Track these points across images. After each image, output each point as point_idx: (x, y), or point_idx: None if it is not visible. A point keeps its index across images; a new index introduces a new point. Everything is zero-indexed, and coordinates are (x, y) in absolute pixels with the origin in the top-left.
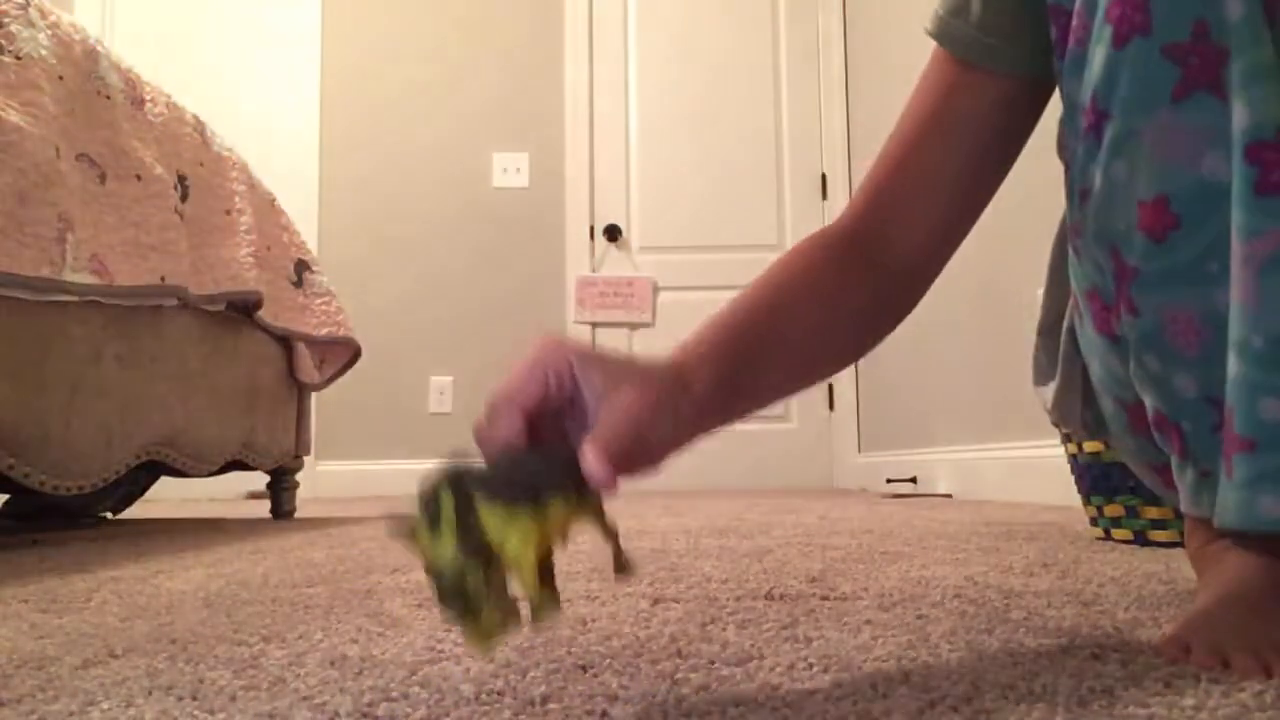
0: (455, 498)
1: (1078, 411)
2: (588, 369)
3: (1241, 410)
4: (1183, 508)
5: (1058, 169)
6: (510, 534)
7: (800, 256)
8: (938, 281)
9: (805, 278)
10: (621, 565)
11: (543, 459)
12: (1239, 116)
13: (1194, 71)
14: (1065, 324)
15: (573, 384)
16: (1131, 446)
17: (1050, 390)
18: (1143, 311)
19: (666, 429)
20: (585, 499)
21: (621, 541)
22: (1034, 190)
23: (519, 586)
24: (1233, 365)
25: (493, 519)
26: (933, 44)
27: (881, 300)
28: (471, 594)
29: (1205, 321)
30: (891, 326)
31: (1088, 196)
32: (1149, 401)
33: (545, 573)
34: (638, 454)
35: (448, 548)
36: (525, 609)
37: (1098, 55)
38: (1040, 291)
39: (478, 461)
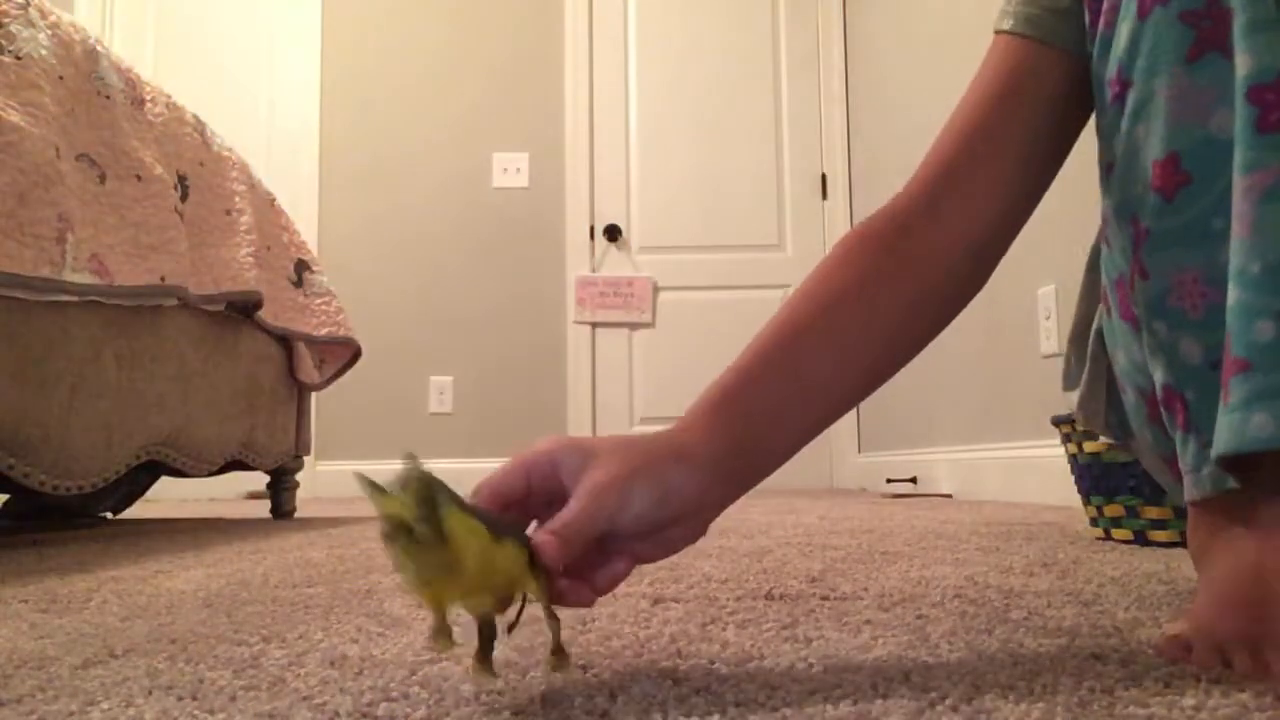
0: (427, 489)
1: (1102, 412)
2: (567, 456)
3: (1237, 333)
4: (1185, 494)
5: (1060, 174)
6: (463, 532)
7: (841, 252)
8: None
9: (843, 276)
10: (557, 656)
11: (506, 521)
12: (1242, 64)
13: (1206, 33)
14: (1094, 325)
15: (555, 479)
16: (1149, 440)
17: (1077, 394)
18: (1153, 274)
19: (644, 501)
20: (535, 569)
21: (562, 636)
22: None
23: (463, 593)
24: (1231, 294)
25: (455, 517)
26: (938, 45)
27: (937, 284)
28: (421, 535)
29: (1209, 282)
30: (953, 314)
31: (1112, 170)
32: (1158, 377)
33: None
34: (607, 529)
35: (410, 506)
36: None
37: (1124, 30)
38: (1043, 291)
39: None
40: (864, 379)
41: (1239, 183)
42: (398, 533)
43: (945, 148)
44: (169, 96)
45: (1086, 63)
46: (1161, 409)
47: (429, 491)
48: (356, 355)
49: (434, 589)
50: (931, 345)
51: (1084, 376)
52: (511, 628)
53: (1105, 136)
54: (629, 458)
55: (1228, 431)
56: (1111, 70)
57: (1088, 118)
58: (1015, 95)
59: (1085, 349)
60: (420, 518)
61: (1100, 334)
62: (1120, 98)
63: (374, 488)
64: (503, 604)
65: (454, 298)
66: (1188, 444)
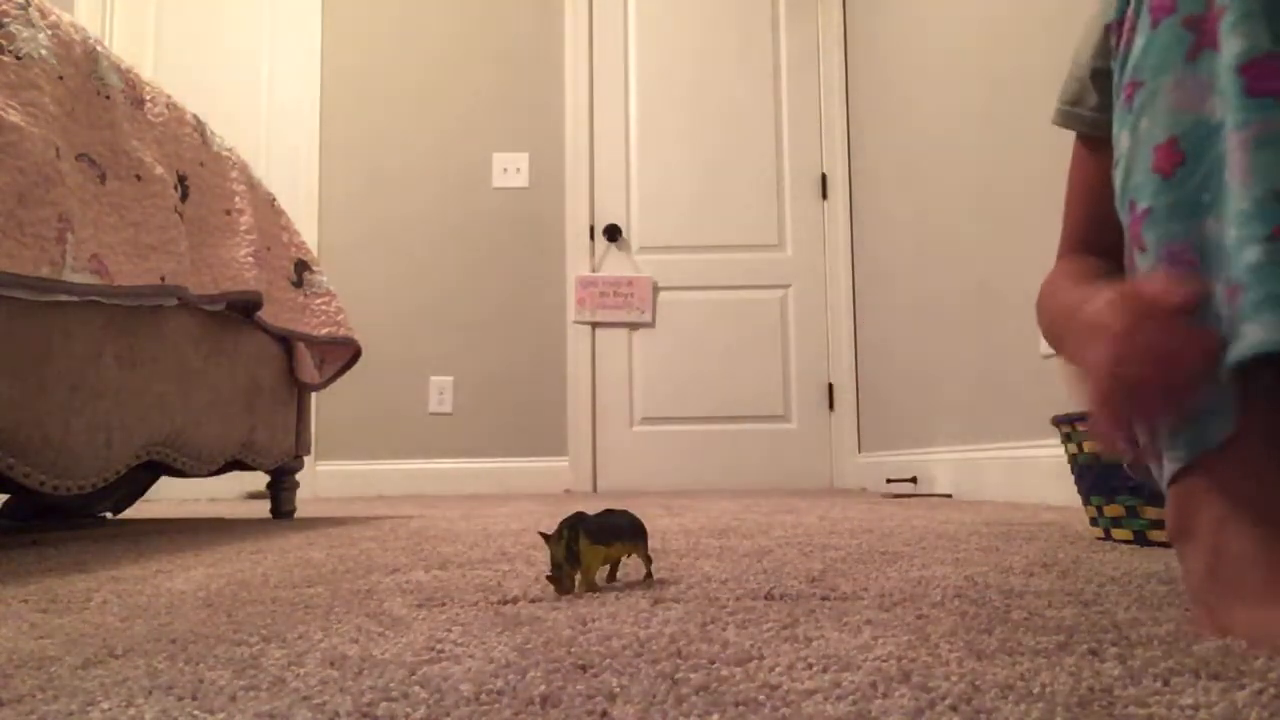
0: (573, 532)
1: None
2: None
3: (1234, 263)
4: (1165, 471)
5: (1055, 177)
6: (589, 555)
7: (1049, 279)
8: (936, 281)
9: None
10: (647, 579)
11: (621, 522)
12: (1235, 44)
13: (1203, 36)
14: None
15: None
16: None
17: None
18: (1150, 246)
19: None
20: (639, 545)
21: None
22: (1032, 194)
23: (582, 575)
24: (1230, 233)
25: (585, 546)
26: (938, 44)
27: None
28: (564, 573)
29: (1197, 250)
30: None
31: (1119, 164)
32: None
33: (612, 570)
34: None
35: (561, 552)
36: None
37: (1139, 41)
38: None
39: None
40: None
41: (1232, 139)
42: (556, 566)
43: (1071, 222)
44: (169, 96)
45: None
46: None
47: (569, 535)
48: (356, 355)
49: (571, 577)
50: (931, 345)
51: None
52: (613, 575)
53: (1115, 134)
54: None
55: (1234, 345)
56: (1126, 77)
57: None
58: (1093, 184)
59: None
60: (564, 551)
61: None
62: (1130, 98)
63: (547, 538)
64: (618, 557)
65: (454, 298)
66: None
